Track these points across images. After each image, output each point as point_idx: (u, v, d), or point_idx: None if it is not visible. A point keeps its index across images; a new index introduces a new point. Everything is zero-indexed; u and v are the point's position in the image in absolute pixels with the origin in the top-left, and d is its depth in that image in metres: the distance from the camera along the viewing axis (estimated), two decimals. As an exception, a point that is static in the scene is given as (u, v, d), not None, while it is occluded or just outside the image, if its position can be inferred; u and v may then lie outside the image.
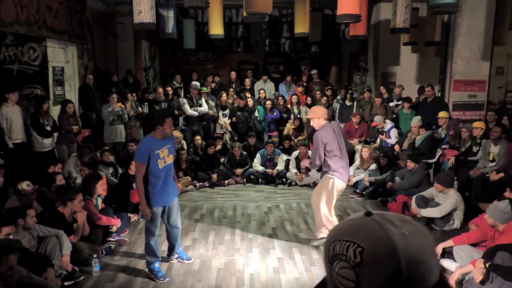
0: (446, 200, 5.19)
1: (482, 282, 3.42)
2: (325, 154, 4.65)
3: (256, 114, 8.98)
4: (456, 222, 5.16)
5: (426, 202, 5.41)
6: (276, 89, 10.57)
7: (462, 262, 4.05)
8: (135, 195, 5.79)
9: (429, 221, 5.32)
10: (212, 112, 8.82)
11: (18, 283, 3.43)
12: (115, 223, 5.02)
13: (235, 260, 4.57)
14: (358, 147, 7.96)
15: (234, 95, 9.33)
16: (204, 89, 8.98)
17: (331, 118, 4.88)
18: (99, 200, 5.22)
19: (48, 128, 6.53)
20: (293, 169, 7.54)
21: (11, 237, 3.75)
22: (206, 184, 7.47)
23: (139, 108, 8.18)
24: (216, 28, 8.05)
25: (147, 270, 4.24)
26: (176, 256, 4.54)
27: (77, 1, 8.10)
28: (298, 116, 9.10)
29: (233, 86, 10.23)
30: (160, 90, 8.61)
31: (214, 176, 7.49)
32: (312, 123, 4.78)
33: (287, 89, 10.52)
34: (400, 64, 10.46)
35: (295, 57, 13.84)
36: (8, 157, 5.83)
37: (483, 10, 7.94)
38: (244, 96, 9.11)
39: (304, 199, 6.76)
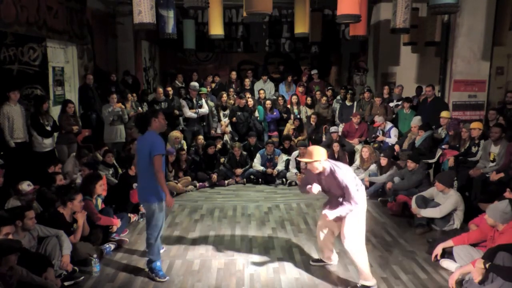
0: (446, 200, 5.20)
1: (482, 282, 3.42)
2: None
3: (256, 114, 8.98)
4: (456, 222, 5.17)
5: (426, 202, 5.41)
6: (276, 89, 10.56)
7: (462, 262, 4.05)
8: (135, 195, 5.79)
9: (429, 221, 5.33)
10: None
11: (18, 283, 3.43)
12: (115, 223, 5.02)
13: (235, 260, 4.56)
14: (358, 147, 7.97)
15: (234, 95, 9.32)
16: (204, 90, 8.97)
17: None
18: (99, 200, 5.22)
19: (48, 128, 6.54)
20: (293, 169, 7.55)
21: (11, 237, 3.75)
22: (206, 184, 7.47)
23: (139, 108, 8.18)
24: (216, 28, 8.06)
25: (147, 269, 4.23)
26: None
27: (77, 1, 8.10)
28: (298, 116, 9.10)
29: (233, 86, 10.23)
30: (160, 90, 8.61)
31: (214, 176, 7.49)
32: (311, 167, 3.88)
33: (287, 89, 10.52)
34: (400, 64, 10.47)
35: (295, 57, 13.84)
36: (8, 157, 5.84)
37: (483, 10, 7.94)
38: (244, 96, 9.10)
39: (304, 199, 6.76)
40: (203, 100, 8.64)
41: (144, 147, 4.07)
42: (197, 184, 7.37)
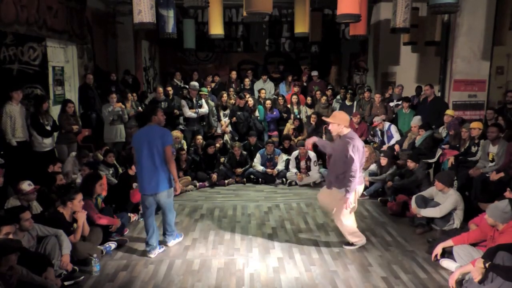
0: (446, 200, 5.20)
1: (482, 282, 3.42)
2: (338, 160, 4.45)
3: (257, 113, 8.98)
4: (456, 222, 5.17)
5: (426, 202, 5.41)
6: (277, 89, 10.56)
7: (462, 262, 4.05)
8: (135, 195, 5.80)
9: (429, 221, 5.33)
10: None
11: (18, 283, 3.43)
12: (115, 223, 5.02)
13: (235, 260, 4.57)
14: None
15: (234, 95, 9.32)
16: (204, 91, 8.97)
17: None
18: (99, 200, 5.22)
19: (48, 127, 6.54)
20: (293, 169, 7.55)
21: (11, 236, 3.75)
22: (206, 184, 7.47)
23: (139, 108, 8.17)
24: (216, 28, 8.05)
25: (172, 241, 4.88)
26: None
27: (77, 1, 8.10)
28: (298, 116, 9.10)
29: (233, 86, 10.23)
30: (160, 89, 8.61)
31: (214, 176, 7.49)
32: (331, 127, 4.51)
33: (287, 89, 10.53)
34: (400, 64, 10.47)
35: (295, 57, 13.85)
36: (9, 156, 5.84)
37: (483, 10, 7.95)
38: (243, 95, 9.10)
39: (304, 199, 6.77)
40: (203, 100, 8.64)
41: (155, 137, 4.44)
42: (197, 184, 7.37)
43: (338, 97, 9.99)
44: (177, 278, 4.16)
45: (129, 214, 5.61)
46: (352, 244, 4.83)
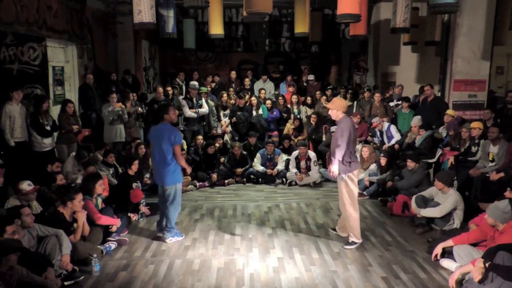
0: (446, 200, 5.20)
1: (482, 282, 3.42)
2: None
3: (260, 111, 8.97)
4: (456, 222, 5.17)
5: (426, 202, 5.41)
6: (277, 89, 10.56)
7: (462, 262, 4.05)
8: (135, 195, 5.80)
9: (429, 221, 5.33)
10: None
11: (18, 283, 3.43)
12: (115, 223, 5.02)
13: (235, 260, 4.56)
14: (358, 146, 7.94)
15: (234, 95, 9.32)
16: (204, 89, 8.98)
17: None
18: (99, 200, 5.22)
19: (48, 127, 6.54)
20: (293, 169, 7.54)
21: (15, 236, 3.75)
22: (206, 184, 7.46)
23: (139, 108, 8.15)
24: (216, 28, 8.05)
25: (170, 239, 4.99)
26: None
27: (77, 1, 8.11)
28: (298, 116, 9.10)
29: (233, 86, 10.23)
30: (160, 89, 8.60)
31: (214, 176, 7.49)
32: (330, 113, 4.92)
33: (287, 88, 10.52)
34: (400, 64, 10.47)
35: (295, 57, 13.85)
36: (8, 156, 5.84)
37: (483, 10, 7.94)
38: (243, 95, 9.10)
39: (304, 198, 6.77)
40: (203, 100, 8.64)
41: (164, 136, 4.79)
42: (197, 184, 7.37)
43: (338, 97, 9.98)
44: (177, 278, 4.16)
45: (129, 214, 5.61)
46: (351, 243, 4.88)
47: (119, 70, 10.24)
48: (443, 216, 5.18)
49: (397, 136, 7.93)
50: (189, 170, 5.47)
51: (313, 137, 8.72)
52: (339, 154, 4.66)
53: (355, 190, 4.88)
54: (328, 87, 10.56)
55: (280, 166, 7.67)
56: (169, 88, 8.92)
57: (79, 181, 5.91)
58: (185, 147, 8.01)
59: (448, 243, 4.30)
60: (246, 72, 11.20)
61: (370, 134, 8.26)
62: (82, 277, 4.12)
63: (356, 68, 12.66)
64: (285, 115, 9.10)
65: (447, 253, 4.34)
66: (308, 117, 9.07)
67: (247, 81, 10.36)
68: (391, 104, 8.99)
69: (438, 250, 4.34)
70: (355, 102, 9.31)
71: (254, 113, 8.95)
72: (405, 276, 4.17)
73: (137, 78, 10.34)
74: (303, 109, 9.44)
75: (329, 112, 4.95)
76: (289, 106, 9.29)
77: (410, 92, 9.49)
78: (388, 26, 7.49)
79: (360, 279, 4.12)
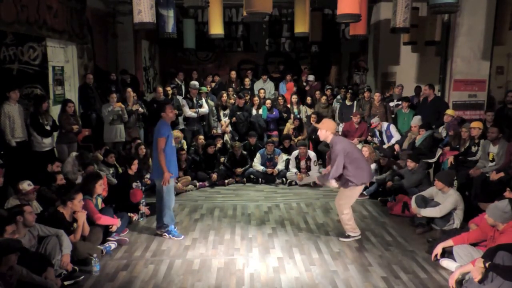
0: (446, 200, 5.20)
1: (482, 282, 3.42)
2: (348, 163, 4.82)
3: (261, 111, 8.96)
4: (456, 222, 5.17)
5: (426, 202, 5.41)
6: (276, 88, 10.56)
7: (462, 261, 4.05)
8: (135, 195, 5.80)
9: (429, 221, 5.33)
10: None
11: (18, 283, 3.43)
12: (115, 222, 5.02)
13: (235, 260, 4.57)
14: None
15: (234, 95, 9.32)
16: (204, 89, 8.97)
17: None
18: (99, 200, 5.22)
19: (48, 127, 6.54)
20: (293, 169, 7.54)
21: (16, 236, 3.75)
22: (206, 183, 7.47)
23: (140, 108, 8.14)
24: (216, 28, 8.04)
25: (166, 235, 5.08)
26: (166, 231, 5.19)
27: (77, 1, 8.10)
28: (298, 116, 9.10)
29: (233, 86, 10.22)
30: (160, 89, 8.59)
31: (214, 175, 7.49)
32: (319, 133, 5.02)
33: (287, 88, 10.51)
34: (400, 63, 10.46)
35: (295, 57, 13.84)
36: (8, 156, 5.83)
37: (483, 10, 7.94)
38: (243, 95, 9.10)
39: (304, 198, 6.77)
40: (203, 100, 8.63)
41: (154, 133, 4.99)
42: (197, 184, 7.37)
43: (338, 97, 9.99)
44: (177, 278, 4.16)
45: (129, 214, 5.61)
46: (348, 236, 5.06)
47: (119, 70, 10.22)
48: (443, 216, 5.18)
49: (397, 136, 7.94)
50: (167, 174, 4.89)
51: (313, 137, 8.70)
52: (333, 173, 4.80)
53: (355, 197, 5.12)
54: (328, 87, 10.56)
55: (280, 166, 7.67)
56: (168, 88, 8.92)
57: (79, 181, 5.91)
58: (185, 146, 8.01)
59: (448, 243, 4.30)
60: (246, 72, 11.19)
61: (370, 134, 8.28)
62: (82, 277, 4.12)
63: (356, 68, 12.65)
64: (285, 115, 9.10)
65: (447, 253, 4.34)
66: (308, 117, 9.07)
67: (247, 81, 10.35)
68: (391, 104, 8.99)
69: (438, 250, 4.34)
70: (355, 102, 9.31)
71: (254, 112, 8.95)
72: (405, 276, 4.17)
73: (136, 78, 10.33)
74: (303, 109, 9.43)
75: (318, 133, 5.03)
76: (289, 106, 9.29)
77: (410, 92, 9.49)
78: (388, 26, 7.49)
79: (360, 279, 4.12)
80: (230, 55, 13.63)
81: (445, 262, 4.30)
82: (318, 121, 8.76)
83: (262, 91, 9.54)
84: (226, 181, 7.61)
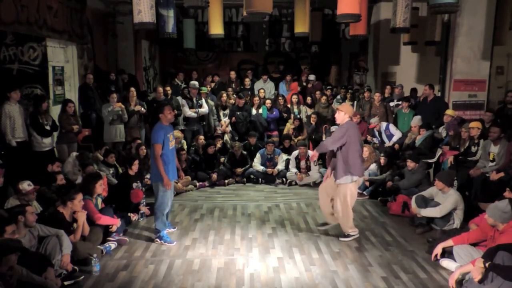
0: (446, 200, 5.20)
1: (482, 282, 3.42)
2: (343, 150, 4.87)
3: (261, 111, 8.97)
4: (456, 222, 5.17)
5: (426, 202, 5.41)
6: (276, 88, 10.56)
7: (462, 261, 4.05)
8: (135, 195, 5.80)
9: (429, 221, 5.33)
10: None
11: (18, 283, 3.43)
12: (115, 222, 5.02)
13: (235, 260, 4.57)
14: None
15: (234, 95, 9.32)
16: (204, 89, 8.96)
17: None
18: (99, 200, 5.22)
19: (48, 127, 6.54)
20: (293, 169, 7.54)
21: (16, 236, 3.75)
22: (206, 183, 7.47)
23: (142, 108, 8.13)
24: (216, 28, 8.04)
25: (158, 240, 4.96)
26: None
27: (77, 1, 8.11)
28: (298, 116, 9.10)
29: (233, 86, 10.22)
30: (160, 89, 8.58)
31: (214, 175, 7.49)
32: (336, 115, 5.08)
33: (287, 88, 10.51)
34: (400, 63, 10.46)
35: (295, 57, 13.83)
36: (8, 156, 5.84)
37: (483, 10, 7.95)
38: (243, 95, 9.10)
39: (304, 198, 6.77)
40: (203, 100, 8.63)
41: (150, 138, 4.93)
42: (197, 184, 7.37)
43: (338, 97, 9.97)
44: (177, 278, 4.16)
45: (129, 214, 5.61)
46: (347, 236, 5.08)
47: (118, 69, 10.23)
48: (443, 216, 5.18)
49: (397, 134, 7.94)
50: (166, 180, 4.86)
51: (313, 137, 8.72)
52: (327, 144, 4.94)
53: (355, 197, 5.12)
54: (328, 87, 10.56)
55: (280, 166, 7.67)
56: (168, 88, 8.91)
57: (79, 181, 5.91)
58: (185, 146, 8.01)
59: (448, 243, 4.30)
60: (246, 72, 11.19)
61: (370, 134, 8.28)
62: (82, 277, 4.13)
63: (356, 68, 12.64)
64: (285, 115, 9.10)
65: (447, 253, 4.34)
66: (308, 117, 9.07)
67: (247, 81, 10.35)
68: (391, 104, 8.99)
69: (438, 250, 4.34)
70: (355, 102, 9.30)
71: (254, 111, 8.95)
72: (405, 276, 4.17)
73: (135, 77, 10.32)
74: (303, 109, 9.43)
75: (336, 115, 5.08)
76: (289, 106, 9.29)
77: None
78: (388, 26, 7.48)
79: (360, 279, 4.12)
80: (230, 55, 13.63)
81: (445, 262, 4.30)
82: (318, 121, 8.85)
83: (262, 91, 9.54)
84: (226, 181, 7.61)
